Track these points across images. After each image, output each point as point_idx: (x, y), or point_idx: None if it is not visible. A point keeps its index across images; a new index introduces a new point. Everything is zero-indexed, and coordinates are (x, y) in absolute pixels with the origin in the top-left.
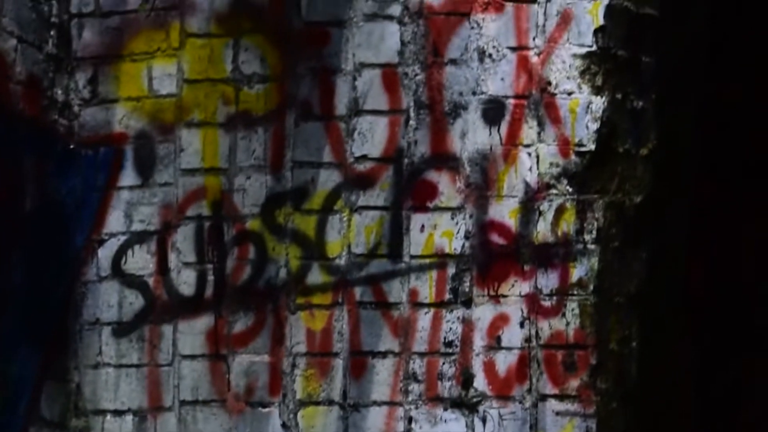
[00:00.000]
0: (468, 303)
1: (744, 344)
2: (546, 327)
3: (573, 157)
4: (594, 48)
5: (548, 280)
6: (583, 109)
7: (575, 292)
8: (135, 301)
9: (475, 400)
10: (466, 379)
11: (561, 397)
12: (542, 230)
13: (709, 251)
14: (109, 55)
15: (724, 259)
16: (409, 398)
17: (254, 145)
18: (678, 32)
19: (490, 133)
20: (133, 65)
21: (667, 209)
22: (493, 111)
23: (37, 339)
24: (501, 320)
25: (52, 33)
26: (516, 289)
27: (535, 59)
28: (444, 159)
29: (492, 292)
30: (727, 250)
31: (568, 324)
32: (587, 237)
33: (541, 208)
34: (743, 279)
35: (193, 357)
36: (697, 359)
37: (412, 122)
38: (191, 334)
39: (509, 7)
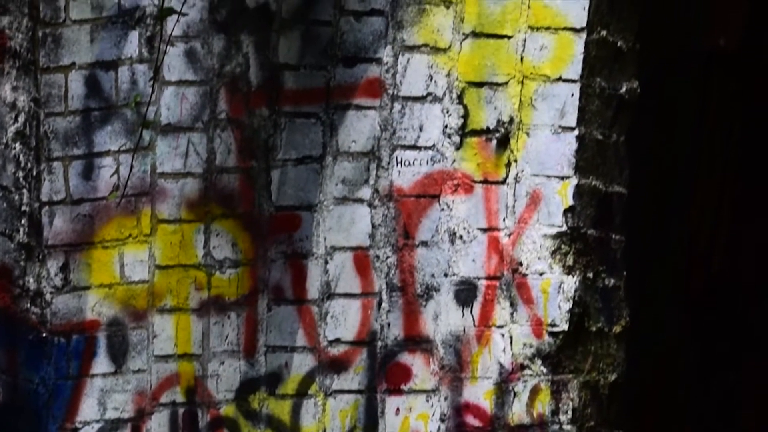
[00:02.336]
0: None
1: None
2: None
3: (546, 337)
4: (564, 228)
5: None
6: (555, 289)
7: None
8: None
9: None
10: None
11: None
12: (518, 411)
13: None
14: (80, 242)
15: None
16: None
17: (227, 330)
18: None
19: (463, 315)
20: (104, 252)
21: None
22: (465, 292)
23: None
24: None
25: (23, 221)
26: None
27: (505, 240)
28: (417, 341)
29: None
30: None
31: None
32: (563, 417)
33: (516, 389)
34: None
35: None
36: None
37: (384, 305)
38: None
39: (479, 188)
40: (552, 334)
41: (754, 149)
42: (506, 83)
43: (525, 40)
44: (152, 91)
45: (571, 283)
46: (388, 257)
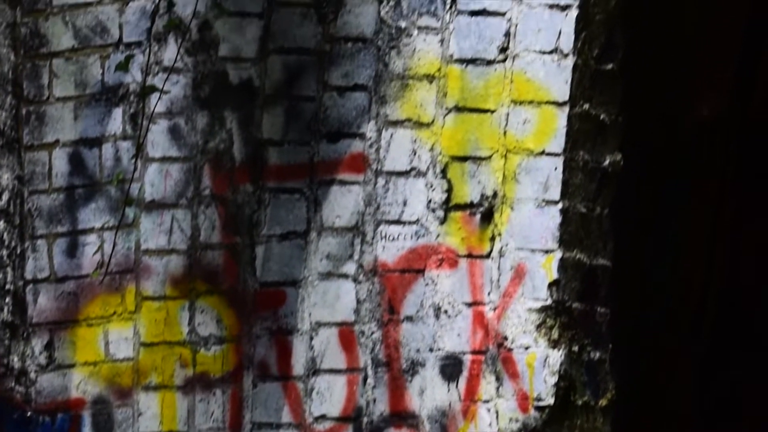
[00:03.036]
0: None
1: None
2: None
3: (532, 411)
4: (549, 302)
5: None
6: (540, 363)
7: None
8: None
9: None
10: None
11: None
12: None
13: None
14: (65, 320)
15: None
16: None
17: (212, 407)
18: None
19: (449, 390)
20: (89, 330)
21: None
22: (450, 367)
23: None
24: None
25: (7, 300)
26: None
27: (490, 314)
28: (403, 417)
29: None
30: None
31: None
32: None
33: None
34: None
35: None
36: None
37: (370, 380)
38: None
39: (463, 262)
40: (538, 408)
41: (743, 219)
42: (490, 157)
43: (508, 114)
44: (135, 168)
45: (557, 356)
46: (373, 332)
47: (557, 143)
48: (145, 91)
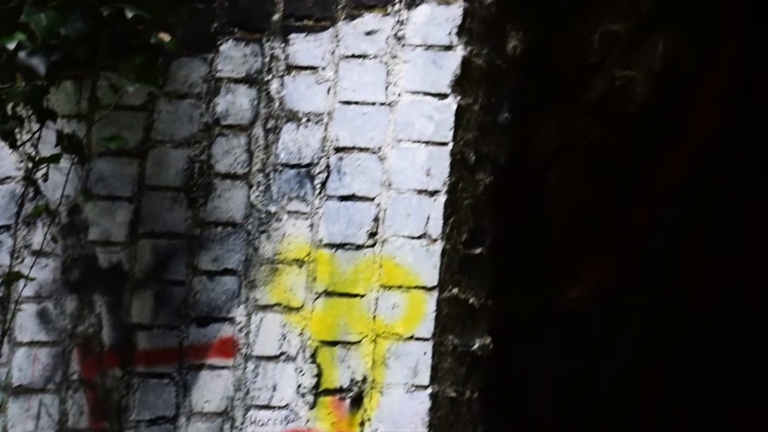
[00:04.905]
0: None
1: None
2: None
3: None
4: None
5: None
6: None
7: None
8: None
9: None
10: None
11: None
12: None
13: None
14: None
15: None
16: None
17: None
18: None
19: None
20: None
21: None
22: None
23: None
24: None
25: None
26: None
27: None
28: None
29: None
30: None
31: None
32: None
33: None
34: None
35: None
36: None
37: None
38: None
39: None
40: None
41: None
42: (359, 342)
43: (377, 299)
44: (1, 354)
45: None
46: None
47: (426, 328)
48: (9, 278)
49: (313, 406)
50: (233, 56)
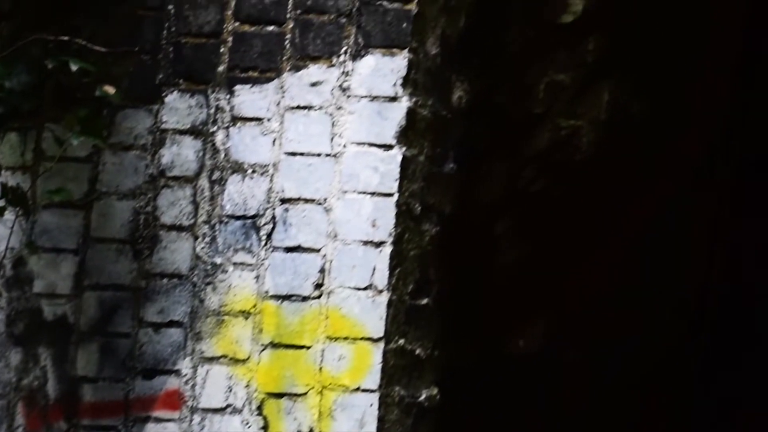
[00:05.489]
0: None
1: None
2: None
3: None
4: None
5: None
6: None
7: None
8: None
9: None
10: None
11: None
12: None
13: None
14: None
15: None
16: None
17: None
18: None
19: None
20: None
21: None
22: None
23: None
24: None
25: None
26: None
27: None
28: None
29: None
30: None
31: None
32: None
33: None
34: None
35: None
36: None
37: None
38: None
39: None
40: None
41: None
42: (306, 394)
43: (323, 351)
44: None
45: None
46: None
47: (372, 379)
48: None
49: None
50: (178, 108)
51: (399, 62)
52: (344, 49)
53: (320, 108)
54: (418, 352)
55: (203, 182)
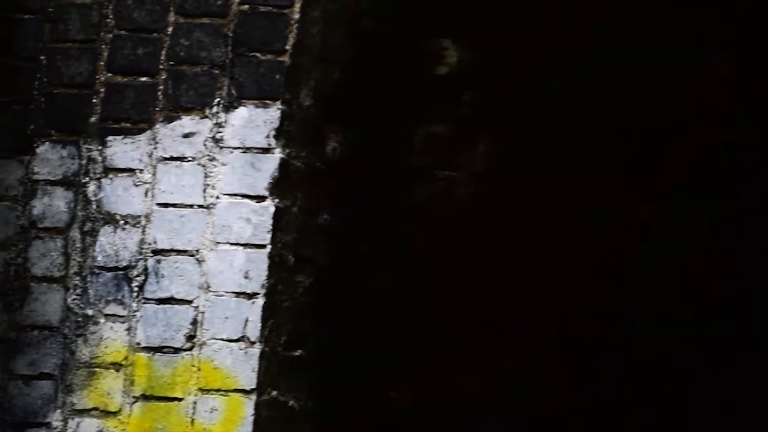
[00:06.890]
0: None
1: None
2: None
3: None
4: None
5: None
6: None
7: None
8: None
9: None
10: None
11: None
12: None
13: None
14: None
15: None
16: None
17: None
18: None
19: None
20: None
21: None
22: None
23: None
24: None
25: None
26: None
27: None
28: None
29: None
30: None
31: None
32: None
33: None
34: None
35: None
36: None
37: None
38: None
39: None
40: None
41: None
42: None
43: (195, 403)
44: None
45: None
46: None
47: (245, 431)
48: None
49: None
50: (50, 158)
51: (272, 113)
52: (217, 100)
53: (193, 159)
54: (291, 403)
55: (75, 233)
